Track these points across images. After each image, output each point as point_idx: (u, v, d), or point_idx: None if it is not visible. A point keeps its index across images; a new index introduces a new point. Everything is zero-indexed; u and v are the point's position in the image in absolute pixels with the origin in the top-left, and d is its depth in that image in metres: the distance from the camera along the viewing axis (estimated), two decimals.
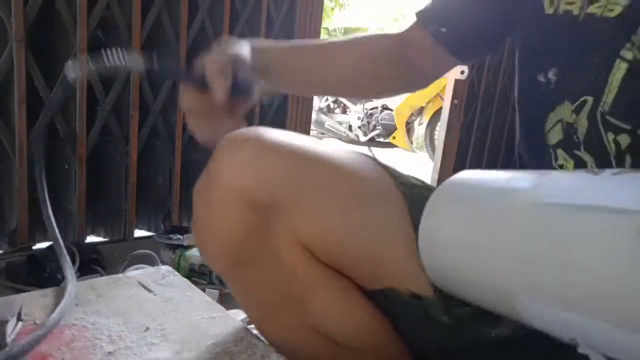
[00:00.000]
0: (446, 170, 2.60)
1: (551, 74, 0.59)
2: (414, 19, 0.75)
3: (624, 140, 0.54)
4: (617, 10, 0.53)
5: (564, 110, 0.58)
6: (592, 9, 0.55)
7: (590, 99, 0.56)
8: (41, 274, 1.29)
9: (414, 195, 0.57)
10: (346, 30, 8.31)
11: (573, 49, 0.57)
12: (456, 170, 2.66)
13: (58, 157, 1.47)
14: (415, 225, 0.52)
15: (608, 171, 0.41)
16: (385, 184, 0.58)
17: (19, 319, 0.60)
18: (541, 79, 0.60)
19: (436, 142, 2.70)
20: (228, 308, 0.71)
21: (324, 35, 1.69)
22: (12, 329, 0.58)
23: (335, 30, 8.80)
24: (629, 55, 0.52)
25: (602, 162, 0.56)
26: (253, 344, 0.61)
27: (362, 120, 5.14)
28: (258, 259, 0.56)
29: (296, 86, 0.83)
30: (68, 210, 1.51)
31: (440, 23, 0.71)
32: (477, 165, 2.72)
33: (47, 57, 1.38)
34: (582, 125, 0.56)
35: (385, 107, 5.09)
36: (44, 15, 1.35)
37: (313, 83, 0.79)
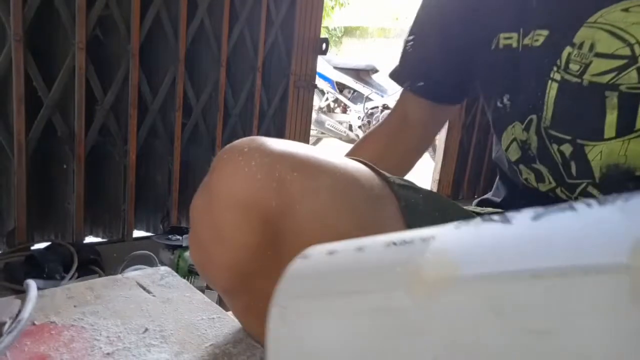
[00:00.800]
0: (447, 170, 2.59)
1: (505, 99, 0.69)
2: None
3: (567, 149, 0.62)
4: (541, 40, 0.62)
5: (516, 130, 0.67)
6: (525, 40, 0.64)
7: (534, 117, 0.64)
8: (40, 274, 1.29)
9: (404, 196, 0.59)
10: (346, 30, 8.31)
11: (516, 76, 0.66)
12: (457, 170, 2.67)
13: (56, 157, 1.46)
14: (408, 225, 0.56)
15: (520, 217, 0.29)
16: (381, 187, 0.58)
17: (17, 312, 0.60)
18: (499, 104, 0.70)
19: (437, 142, 2.70)
20: (227, 309, 0.70)
21: (324, 35, 1.68)
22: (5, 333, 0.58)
23: (335, 29, 8.80)
24: (557, 76, 0.61)
25: (554, 171, 0.63)
26: (252, 346, 0.61)
27: (362, 120, 5.14)
28: (266, 270, 0.52)
29: None
30: (66, 210, 1.51)
31: (414, 78, 0.80)
32: (478, 165, 2.72)
33: (45, 57, 1.38)
34: (533, 140, 0.65)
35: (385, 107, 5.09)
36: (43, 14, 1.35)
37: None
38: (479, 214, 0.67)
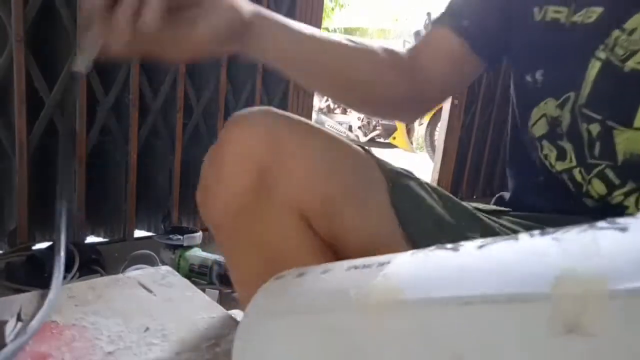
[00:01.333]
0: (446, 170, 2.60)
1: (538, 75, 0.66)
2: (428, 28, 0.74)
3: (595, 128, 0.62)
4: (594, 17, 0.62)
5: (548, 106, 0.66)
6: (575, 17, 0.63)
7: (572, 95, 0.64)
8: (41, 274, 1.29)
9: (393, 179, 0.62)
10: (346, 30, 8.31)
11: (557, 52, 0.65)
12: (457, 170, 2.67)
13: (57, 157, 1.47)
14: (394, 205, 0.59)
15: (468, 246, 0.30)
16: (373, 167, 0.63)
17: (18, 319, 0.60)
18: (529, 79, 0.67)
19: (436, 142, 2.70)
20: (228, 308, 0.71)
21: None
22: (12, 329, 0.58)
23: (335, 30, 8.80)
24: (602, 55, 0.61)
25: (579, 150, 0.64)
26: None
27: (362, 121, 5.14)
28: (256, 215, 0.58)
29: (305, 78, 0.72)
30: (67, 210, 1.51)
31: (461, 17, 0.71)
32: (477, 165, 2.72)
33: (47, 57, 1.38)
34: (566, 118, 0.64)
35: None
36: (44, 15, 1.35)
37: (332, 84, 0.70)
38: (481, 210, 0.67)
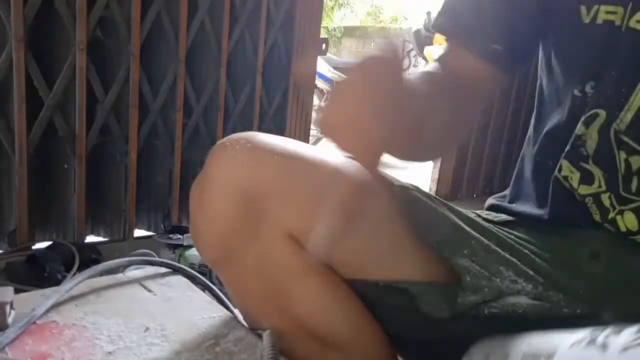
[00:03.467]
0: (446, 169, 2.60)
1: (588, 87, 0.56)
2: (444, 39, 0.65)
3: (636, 162, 0.53)
4: None
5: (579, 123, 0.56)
6: (632, 21, 0.52)
7: (602, 113, 0.54)
8: (41, 274, 1.29)
9: (398, 193, 0.59)
10: (346, 30, 8.29)
11: (610, 62, 0.54)
12: (455, 169, 2.66)
13: (57, 157, 1.47)
14: (408, 219, 0.56)
15: (614, 346, 0.34)
16: (366, 181, 0.55)
17: (11, 307, 0.61)
18: (577, 93, 0.57)
19: None
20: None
21: (323, 35, 1.68)
22: (9, 313, 0.59)
23: (335, 30, 8.79)
24: None
25: (611, 179, 0.55)
26: (252, 344, 0.61)
27: None
28: (246, 249, 0.57)
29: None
30: (68, 210, 1.51)
31: (489, 40, 0.61)
32: (477, 165, 2.72)
33: (46, 57, 1.38)
34: (592, 138, 0.55)
35: None
36: (44, 14, 1.35)
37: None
38: (490, 221, 0.63)
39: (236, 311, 0.69)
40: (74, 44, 1.40)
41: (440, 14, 0.65)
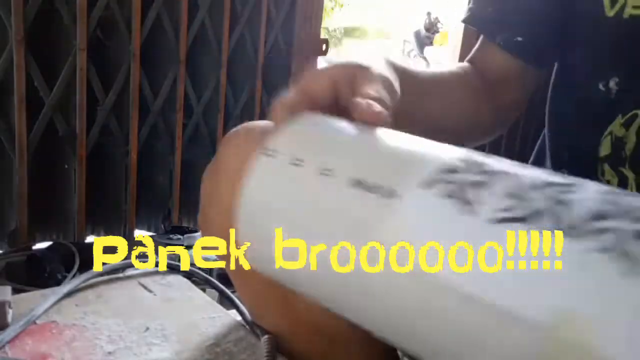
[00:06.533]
0: None
1: (612, 83, 0.55)
2: (474, 34, 0.65)
3: None
4: None
5: (616, 123, 0.55)
6: None
7: None
8: (41, 274, 1.29)
9: None
10: (346, 30, 8.31)
11: (636, 57, 0.53)
12: None
13: (57, 157, 1.47)
14: None
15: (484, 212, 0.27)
16: None
17: (9, 306, 0.61)
18: (601, 87, 0.56)
19: None
20: (228, 308, 0.71)
21: (324, 36, 1.68)
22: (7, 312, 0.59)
23: (335, 30, 8.80)
24: None
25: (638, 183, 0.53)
26: (253, 344, 0.61)
27: None
28: None
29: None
30: (68, 210, 1.51)
31: (512, 32, 0.61)
32: None
33: (46, 57, 1.38)
34: (631, 140, 0.54)
35: None
36: (44, 14, 1.35)
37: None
38: None
39: (233, 311, 0.69)
40: (74, 44, 1.40)
41: (468, 7, 0.65)
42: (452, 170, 0.30)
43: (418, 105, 0.55)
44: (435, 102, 0.59)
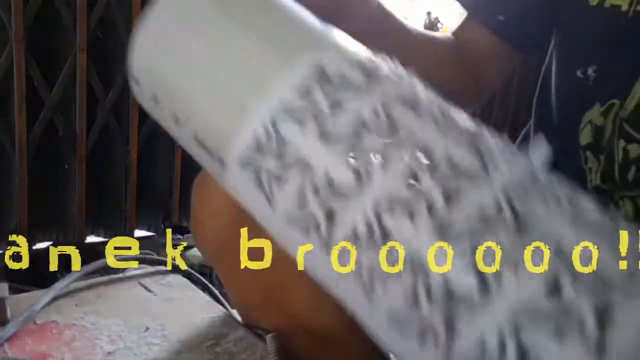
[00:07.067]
0: None
1: (590, 71, 0.56)
2: (462, 16, 0.66)
3: (635, 150, 0.52)
4: None
5: (594, 111, 0.56)
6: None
7: (616, 103, 0.54)
8: (41, 274, 1.29)
9: None
10: None
11: (615, 47, 0.53)
12: None
13: (57, 157, 1.47)
14: None
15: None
16: None
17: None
18: (579, 74, 0.57)
19: None
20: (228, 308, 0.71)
21: None
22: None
23: None
24: None
25: (608, 170, 0.54)
26: (253, 344, 0.61)
27: None
28: (239, 244, 0.57)
29: None
30: (68, 210, 1.51)
31: (495, 11, 0.62)
32: None
33: (46, 57, 1.38)
34: (608, 129, 0.54)
35: None
36: (44, 14, 1.35)
37: None
38: None
39: (233, 311, 0.69)
40: (74, 44, 1.40)
41: None
42: (260, 149, 0.29)
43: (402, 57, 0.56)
44: (420, 59, 0.60)
